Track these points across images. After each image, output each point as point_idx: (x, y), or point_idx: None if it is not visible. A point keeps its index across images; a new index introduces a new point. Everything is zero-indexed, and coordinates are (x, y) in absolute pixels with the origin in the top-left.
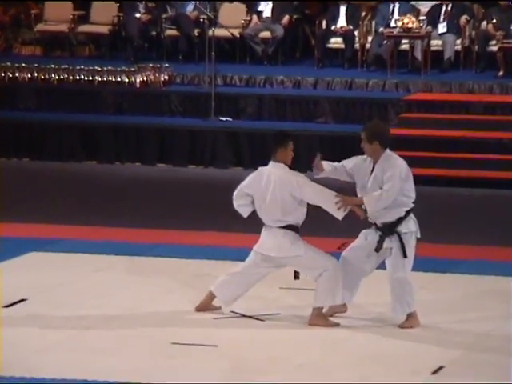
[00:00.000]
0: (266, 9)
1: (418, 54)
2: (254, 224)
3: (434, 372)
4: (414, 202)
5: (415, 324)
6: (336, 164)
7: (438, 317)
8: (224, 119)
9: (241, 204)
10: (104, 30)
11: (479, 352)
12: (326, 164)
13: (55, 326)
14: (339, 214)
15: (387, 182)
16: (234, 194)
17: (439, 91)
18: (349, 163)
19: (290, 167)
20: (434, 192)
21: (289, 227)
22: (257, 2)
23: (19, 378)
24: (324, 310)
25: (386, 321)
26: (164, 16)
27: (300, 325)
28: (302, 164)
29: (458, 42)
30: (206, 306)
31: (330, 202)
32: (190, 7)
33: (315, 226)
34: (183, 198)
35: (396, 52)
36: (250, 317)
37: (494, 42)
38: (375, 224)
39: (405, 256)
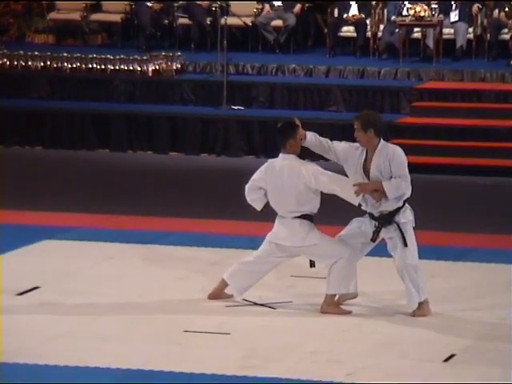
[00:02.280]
0: None
1: (430, 43)
2: (266, 212)
3: (446, 360)
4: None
5: (427, 312)
6: (323, 139)
7: (449, 305)
8: (236, 108)
9: (254, 198)
10: (116, 18)
11: (490, 340)
12: (310, 134)
13: (68, 313)
14: (355, 200)
15: (401, 170)
16: (246, 188)
17: (451, 79)
18: (339, 146)
19: (300, 156)
20: (446, 180)
21: (304, 217)
22: None
23: (33, 365)
24: (335, 298)
25: (396, 309)
26: (176, 4)
27: (312, 313)
28: (315, 152)
29: (470, 30)
30: (218, 294)
31: (346, 189)
32: None
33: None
34: (195, 187)
35: (408, 40)
36: (262, 305)
37: (506, 30)
38: (370, 213)
39: (405, 245)
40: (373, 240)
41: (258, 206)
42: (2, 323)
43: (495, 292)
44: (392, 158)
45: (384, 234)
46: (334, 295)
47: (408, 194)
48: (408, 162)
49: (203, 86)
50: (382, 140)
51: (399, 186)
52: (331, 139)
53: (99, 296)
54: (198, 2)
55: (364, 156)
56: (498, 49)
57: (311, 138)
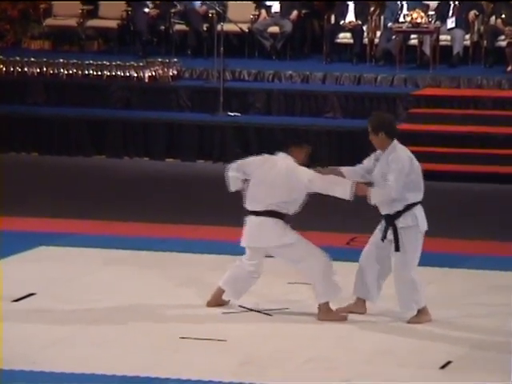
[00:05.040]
0: (275, 4)
1: (427, 49)
2: None
3: (443, 367)
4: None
5: (424, 319)
6: (356, 168)
7: (446, 312)
8: (232, 114)
9: (235, 175)
10: (113, 24)
11: (487, 347)
12: (345, 170)
13: (64, 320)
14: (348, 196)
15: (391, 175)
16: (232, 164)
17: (448, 86)
18: (365, 163)
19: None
20: (443, 187)
21: (278, 215)
22: None
23: (28, 372)
24: (332, 306)
25: (394, 316)
26: (173, 10)
27: (308, 319)
28: (311, 158)
29: (467, 37)
30: (216, 301)
31: (339, 188)
32: (198, 2)
33: (324, 221)
34: (192, 193)
35: (405, 47)
36: (259, 311)
37: (502, 37)
38: (383, 214)
39: (396, 250)
40: (382, 239)
41: (234, 186)
42: None
43: (492, 299)
44: (391, 161)
45: (389, 235)
46: (327, 302)
47: (411, 199)
48: None
49: (200, 92)
50: (394, 141)
51: (383, 194)
52: (328, 146)
53: (95, 302)
54: (195, 8)
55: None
56: (494, 55)
57: (349, 174)
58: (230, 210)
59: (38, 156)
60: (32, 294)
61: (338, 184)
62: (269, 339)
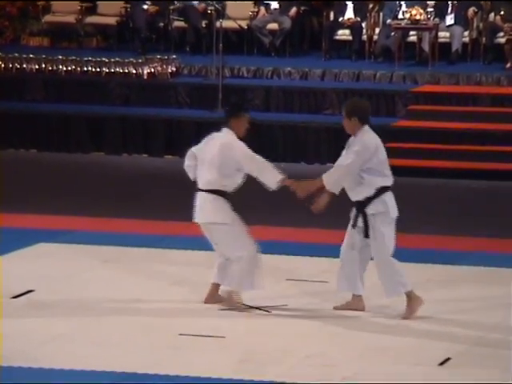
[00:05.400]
0: (274, 0)
1: (426, 46)
2: (267, 217)
3: (441, 363)
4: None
5: (416, 306)
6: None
7: (444, 309)
8: None
9: (188, 164)
10: (111, 21)
11: (486, 344)
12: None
13: (62, 316)
14: (273, 186)
15: (348, 155)
16: (186, 154)
17: (447, 83)
18: (343, 153)
19: (241, 139)
20: (441, 184)
21: (220, 192)
22: None
23: (27, 369)
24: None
25: (392, 312)
26: (171, 7)
27: (307, 316)
28: (310, 155)
29: (466, 33)
30: (213, 297)
31: (268, 176)
32: None
33: (327, 218)
34: (191, 190)
35: (403, 44)
36: (257, 308)
37: (501, 33)
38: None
39: (366, 236)
40: (353, 226)
41: (191, 175)
42: None
43: (491, 296)
44: (353, 143)
45: (360, 222)
46: (232, 291)
47: (379, 183)
48: (403, 165)
49: (198, 89)
50: (365, 127)
51: (331, 174)
52: (327, 142)
53: (94, 299)
54: (194, 4)
55: None
56: (493, 52)
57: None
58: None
59: (37, 153)
60: (31, 291)
61: (270, 171)
62: (268, 336)
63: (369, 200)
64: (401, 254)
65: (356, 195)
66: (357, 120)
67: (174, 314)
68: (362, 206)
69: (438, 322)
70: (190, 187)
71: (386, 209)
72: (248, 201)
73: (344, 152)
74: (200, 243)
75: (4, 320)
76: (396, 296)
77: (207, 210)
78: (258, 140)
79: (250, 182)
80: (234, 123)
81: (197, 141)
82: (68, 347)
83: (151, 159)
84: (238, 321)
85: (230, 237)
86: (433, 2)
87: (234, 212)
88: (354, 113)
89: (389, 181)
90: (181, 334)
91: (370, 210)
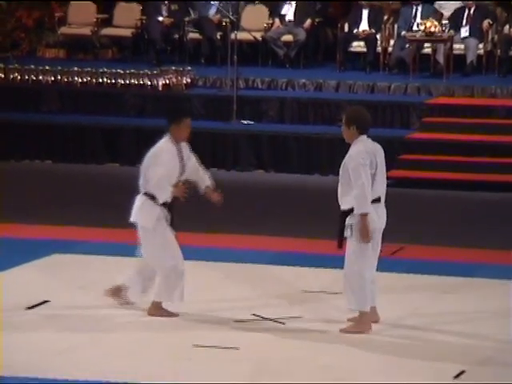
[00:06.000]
0: (289, 12)
1: (441, 58)
2: (276, 227)
3: (456, 376)
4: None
5: (363, 328)
6: None
7: (460, 321)
8: (246, 122)
9: None
10: (127, 33)
11: (501, 357)
12: None
13: (77, 327)
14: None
15: (353, 173)
16: None
17: (461, 95)
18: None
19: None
20: (456, 196)
21: (148, 195)
22: (279, 5)
23: (42, 379)
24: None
25: (407, 325)
26: (186, 19)
27: (322, 328)
28: (324, 167)
29: (481, 46)
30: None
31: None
32: (212, 10)
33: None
34: (204, 201)
35: (418, 56)
36: (272, 320)
37: None
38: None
39: (339, 246)
40: (339, 237)
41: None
42: (4, 337)
43: (506, 309)
44: (349, 160)
45: (346, 232)
46: (160, 302)
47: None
48: (417, 177)
49: (213, 100)
50: (362, 137)
51: (357, 197)
52: (341, 154)
53: (109, 310)
54: (209, 16)
55: None
56: (508, 64)
57: None
58: (244, 217)
59: (52, 164)
60: (46, 302)
61: (162, 188)
62: (282, 347)
63: (351, 210)
64: (415, 266)
65: (343, 205)
66: (355, 129)
67: (187, 325)
68: (344, 215)
69: (453, 335)
70: (204, 199)
71: (379, 223)
72: (261, 212)
73: (341, 169)
74: (214, 254)
75: (19, 331)
76: (352, 308)
77: (134, 209)
78: (272, 151)
79: (267, 195)
80: (173, 129)
81: (211, 152)
82: (83, 358)
83: None
84: (252, 332)
85: (151, 248)
86: (451, 7)
87: (165, 225)
88: (354, 121)
89: (375, 193)
90: (195, 345)
91: (349, 220)
